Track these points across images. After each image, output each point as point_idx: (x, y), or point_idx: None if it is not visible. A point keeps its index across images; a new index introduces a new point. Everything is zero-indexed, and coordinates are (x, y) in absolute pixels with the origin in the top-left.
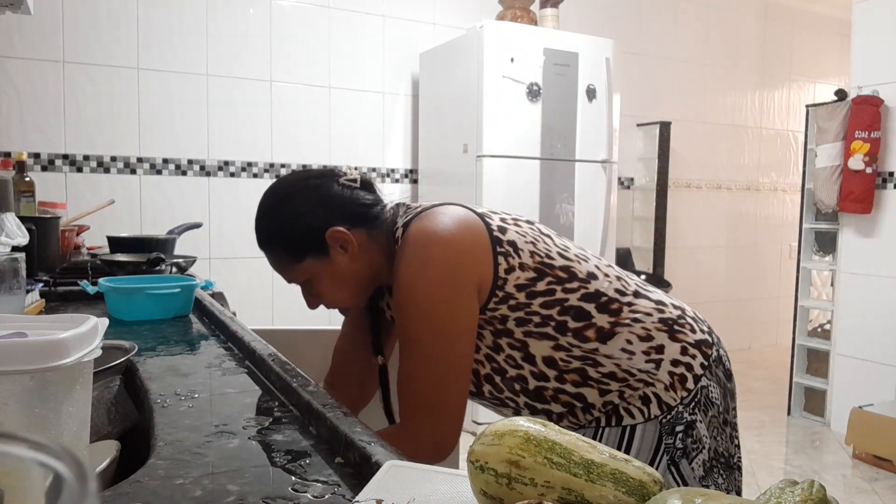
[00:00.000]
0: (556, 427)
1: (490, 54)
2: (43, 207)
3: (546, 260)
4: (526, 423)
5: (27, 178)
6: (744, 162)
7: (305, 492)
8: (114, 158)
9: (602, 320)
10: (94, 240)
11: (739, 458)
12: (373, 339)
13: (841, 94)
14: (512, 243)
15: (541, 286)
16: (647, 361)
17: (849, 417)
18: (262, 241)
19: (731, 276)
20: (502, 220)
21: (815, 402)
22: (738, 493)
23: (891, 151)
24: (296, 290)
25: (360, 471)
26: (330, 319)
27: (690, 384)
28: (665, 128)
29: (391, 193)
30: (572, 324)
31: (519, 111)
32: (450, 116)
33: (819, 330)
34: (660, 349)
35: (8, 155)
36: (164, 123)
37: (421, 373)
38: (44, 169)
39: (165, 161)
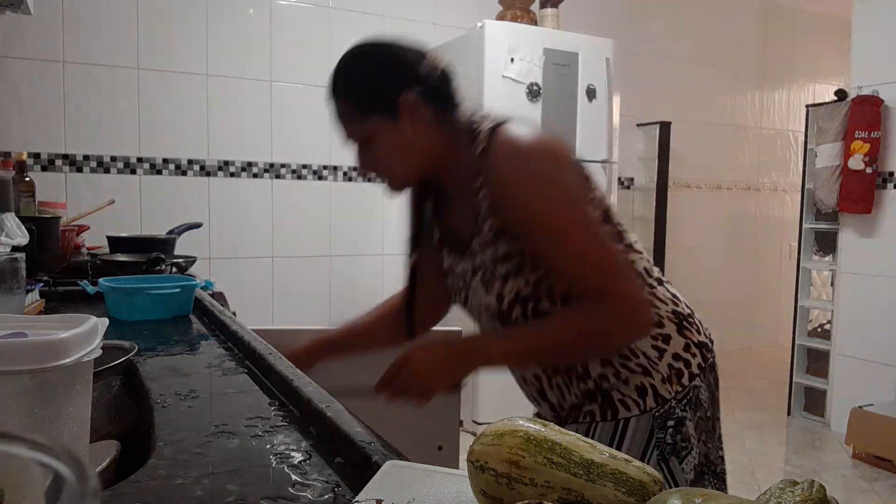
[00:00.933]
0: (556, 427)
1: (490, 54)
2: (43, 207)
3: (608, 210)
4: (526, 424)
5: (27, 178)
6: (744, 162)
7: (305, 492)
8: (114, 158)
9: None
10: (94, 240)
11: (724, 469)
12: (415, 234)
13: (841, 94)
14: (590, 176)
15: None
16: (652, 347)
17: (849, 417)
18: (337, 89)
19: (731, 276)
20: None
21: (815, 402)
22: None
23: (891, 151)
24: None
25: (360, 471)
26: (330, 320)
27: (685, 380)
28: (665, 128)
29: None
30: None
31: (519, 111)
32: None
33: (819, 330)
34: (666, 339)
35: (8, 155)
36: (164, 123)
37: (593, 251)
38: (44, 169)
39: (165, 161)
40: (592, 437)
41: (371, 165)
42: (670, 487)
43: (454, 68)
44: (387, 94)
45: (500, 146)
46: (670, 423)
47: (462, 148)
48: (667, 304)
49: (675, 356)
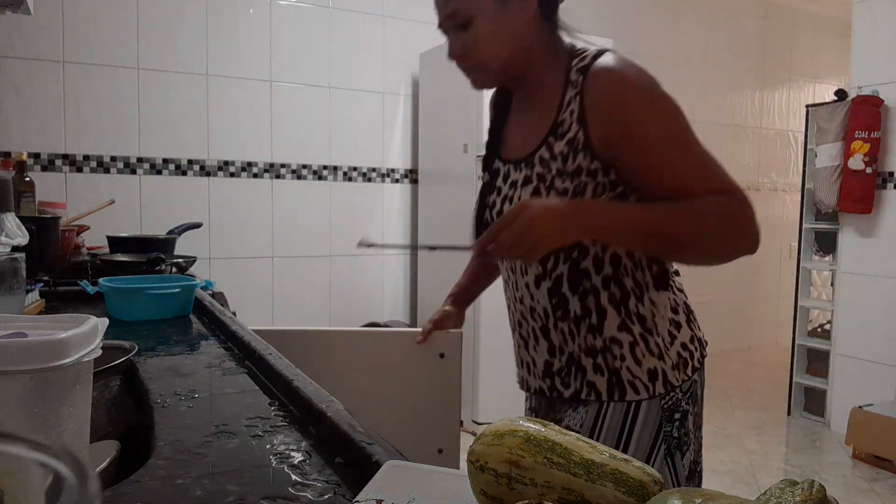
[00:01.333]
0: (557, 427)
1: None
2: (43, 207)
3: None
4: (526, 424)
5: (27, 178)
6: (744, 162)
7: (305, 492)
8: (114, 158)
9: (665, 265)
10: (94, 240)
11: (702, 467)
12: (489, 154)
13: (841, 94)
14: None
15: None
16: (668, 331)
17: (849, 417)
18: None
19: (731, 276)
20: None
21: (815, 402)
22: None
23: (891, 151)
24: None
25: (360, 471)
26: (330, 320)
27: (689, 371)
28: None
29: (391, 194)
30: None
31: None
32: (450, 116)
33: (819, 330)
34: (678, 327)
35: (8, 155)
36: (164, 123)
37: (709, 156)
38: (44, 169)
39: (165, 161)
40: (603, 421)
41: (466, 50)
42: (675, 483)
43: None
44: None
45: (607, 62)
46: (677, 415)
47: (556, 57)
48: (683, 294)
49: (683, 346)
